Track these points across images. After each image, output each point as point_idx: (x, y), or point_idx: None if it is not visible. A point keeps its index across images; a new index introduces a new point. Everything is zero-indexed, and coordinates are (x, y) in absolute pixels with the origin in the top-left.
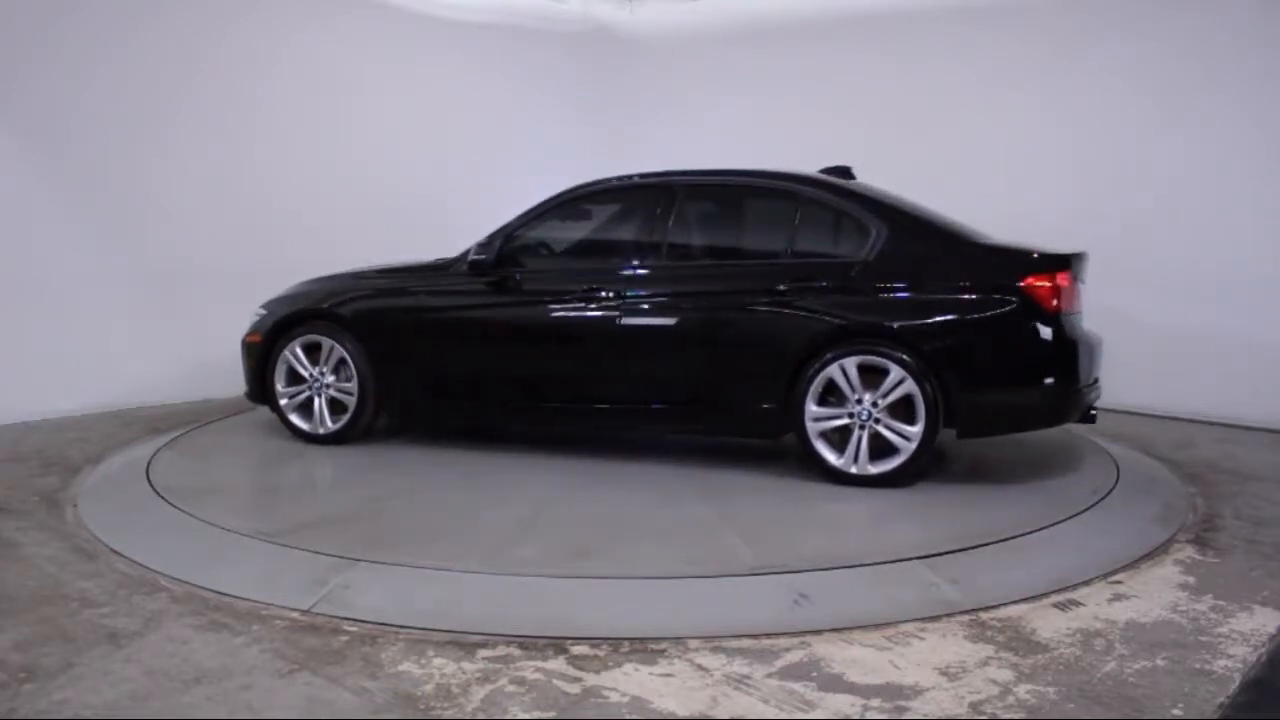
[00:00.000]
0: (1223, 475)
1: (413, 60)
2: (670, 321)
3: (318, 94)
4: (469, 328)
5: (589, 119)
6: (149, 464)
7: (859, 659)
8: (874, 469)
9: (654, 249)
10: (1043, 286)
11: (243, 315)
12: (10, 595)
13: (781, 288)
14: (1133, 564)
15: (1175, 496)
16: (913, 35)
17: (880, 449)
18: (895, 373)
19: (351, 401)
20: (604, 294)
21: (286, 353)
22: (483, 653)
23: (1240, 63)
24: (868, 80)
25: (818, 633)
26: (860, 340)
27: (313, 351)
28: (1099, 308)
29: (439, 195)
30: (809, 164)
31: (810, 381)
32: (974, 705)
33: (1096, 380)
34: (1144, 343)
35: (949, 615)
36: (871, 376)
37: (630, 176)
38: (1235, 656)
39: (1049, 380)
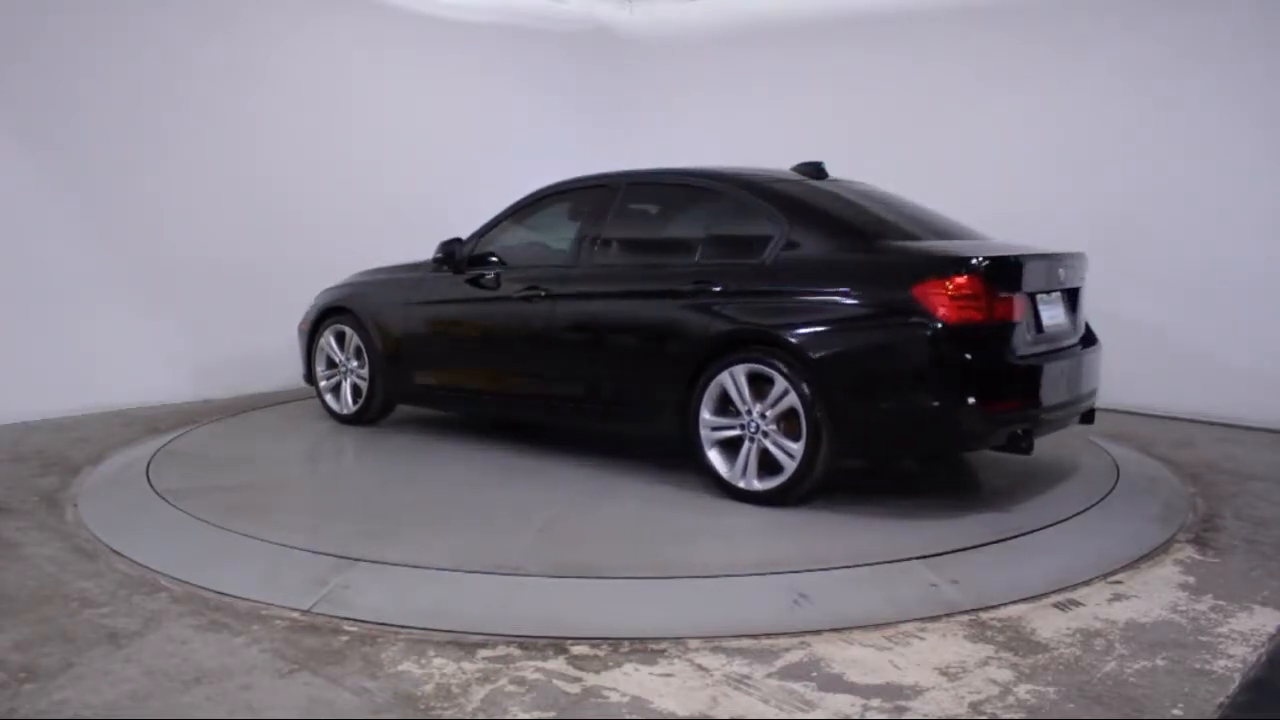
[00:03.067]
0: (1223, 475)
1: (413, 60)
2: (592, 321)
3: (318, 94)
4: (440, 323)
5: (589, 119)
6: (149, 464)
7: (859, 659)
8: (760, 485)
9: (588, 249)
10: (934, 294)
11: (242, 315)
12: (10, 595)
13: (686, 289)
14: (1133, 564)
15: (1175, 496)
16: (913, 35)
17: (771, 464)
18: (779, 383)
19: (365, 386)
20: (541, 293)
21: (322, 340)
22: (483, 653)
23: (1240, 63)
24: (868, 80)
25: (818, 633)
26: (751, 347)
27: (343, 340)
28: (1099, 308)
29: (439, 195)
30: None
31: (704, 388)
32: (974, 705)
33: (1066, 405)
34: (1144, 342)
35: (949, 615)
36: (767, 386)
37: (583, 178)
38: (1235, 656)
39: (935, 402)
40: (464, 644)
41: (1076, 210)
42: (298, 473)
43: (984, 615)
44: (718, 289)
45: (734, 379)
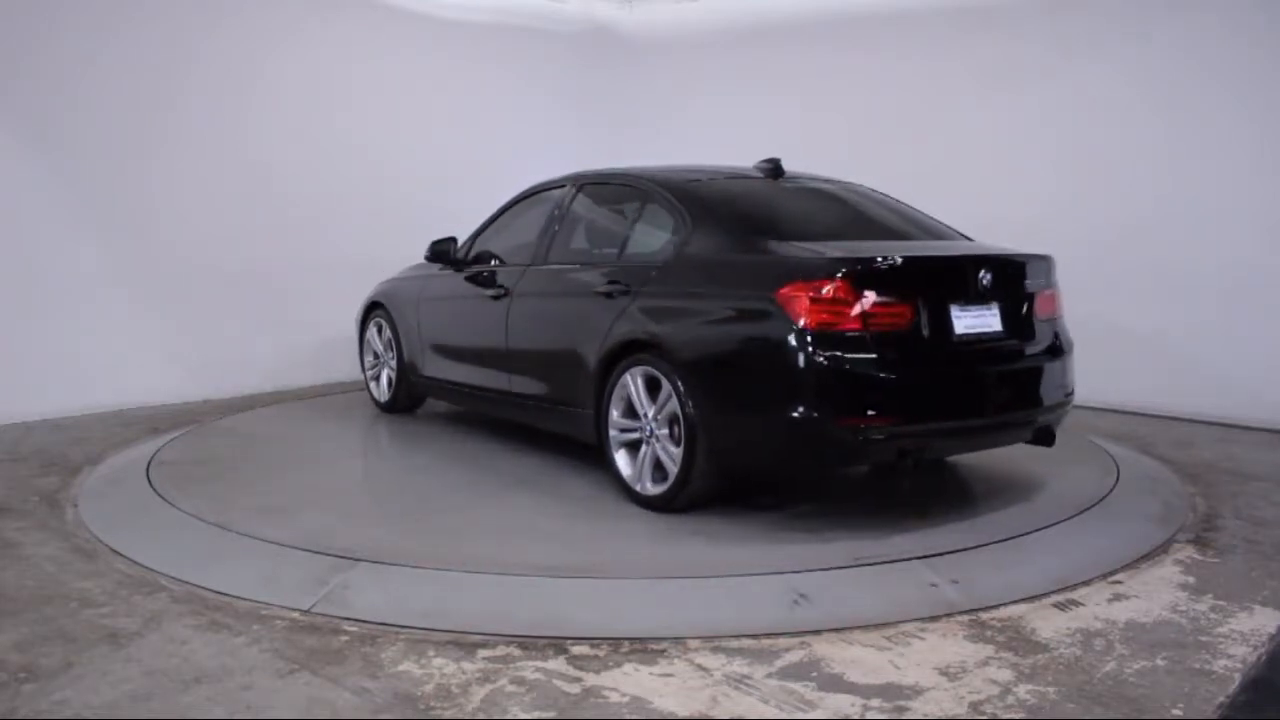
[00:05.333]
0: (1223, 475)
1: (413, 59)
2: (534, 320)
3: (318, 94)
4: (439, 319)
5: (588, 118)
6: (149, 464)
7: (859, 659)
8: (653, 489)
9: (542, 250)
10: (796, 298)
11: (242, 314)
12: (10, 595)
13: (602, 290)
14: (1133, 564)
15: (1175, 496)
16: (912, 35)
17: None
18: (665, 388)
19: (395, 377)
20: (503, 291)
21: (367, 333)
22: (483, 653)
23: (1241, 64)
24: (867, 79)
25: (817, 633)
26: (646, 350)
27: (381, 332)
28: (1099, 308)
29: (439, 194)
30: (805, 163)
31: (611, 390)
32: (974, 705)
33: (988, 423)
34: (1144, 342)
35: (949, 615)
36: (659, 390)
37: (551, 179)
38: (1235, 656)
39: (795, 413)
40: (464, 644)
41: (1076, 210)
42: (297, 472)
43: (984, 615)
44: (625, 290)
45: (633, 382)
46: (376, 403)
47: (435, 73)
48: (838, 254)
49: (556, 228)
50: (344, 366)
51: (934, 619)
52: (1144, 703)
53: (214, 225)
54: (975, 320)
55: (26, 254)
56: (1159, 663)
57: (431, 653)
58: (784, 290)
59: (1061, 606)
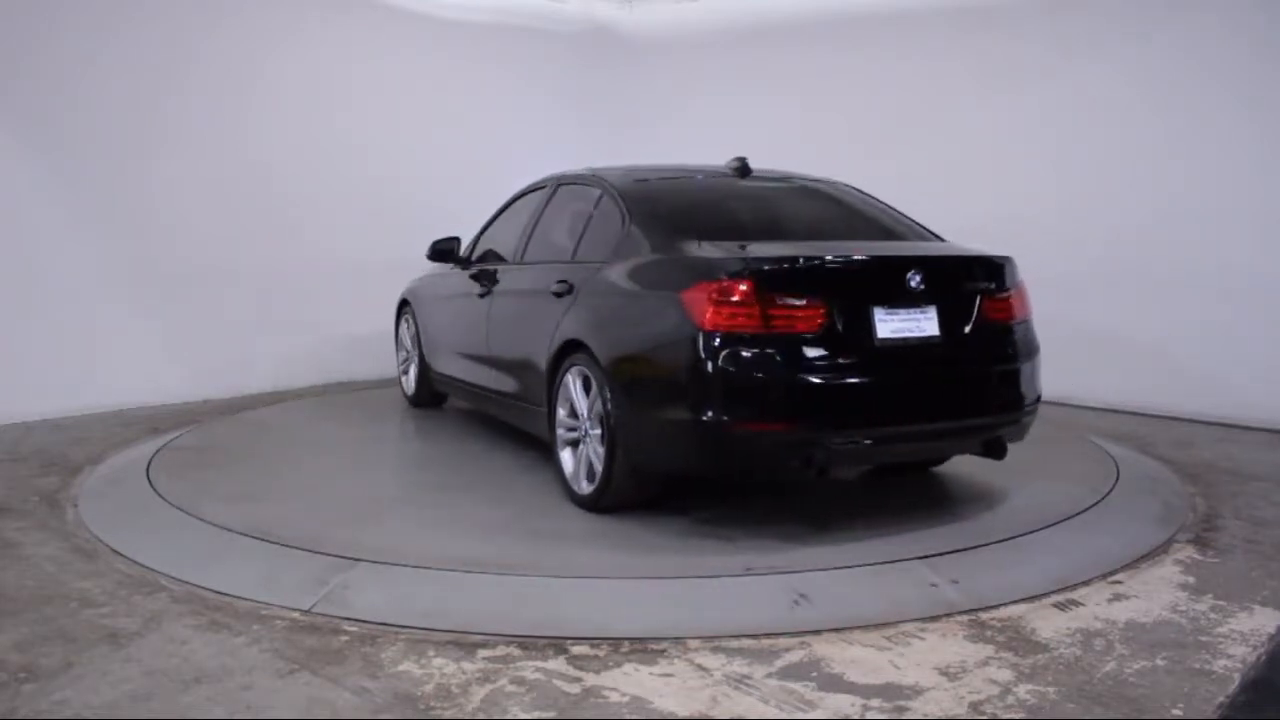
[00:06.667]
0: (1223, 475)
1: (412, 59)
2: (504, 318)
3: (318, 94)
4: (443, 317)
5: (588, 118)
6: (149, 464)
7: (859, 659)
8: (586, 489)
9: (520, 249)
10: (698, 300)
11: (242, 314)
12: (10, 595)
13: (553, 290)
14: (1133, 564)
15: (1175, 496)
16: (912, 35)
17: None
18: (594, 388)
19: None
20: (486, 290)
21: (401, 329)
22: (483, 653)
23: (1242, 65)
24: (867, 79)
25: (817, 633)
26: (581, 350)
27: (410, 328)
28: (1099, 307)
29: (439, 194)
30: (805, 163)
31: (557, 389)
32: (974, 705)
33: (914, 432)
34: (1143, 342)
35: (949, 615)
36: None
37: (538, 180)
38: (1235, 656)
39: (691, 416)
40: (464, 644)
41: (1076, 210)
42: (296, 472)
43: (984, 615)
44: (570, 290)
45: (573, 382)
46: (406, 397)
47: (435, 73)
48: (742, 254)
49: (533, 228)
50: (344, 366)
51: (934, 619)
52: (1144, 703)
53: (214, 225)
54: (904, 324)
55: (26, 254)
56: (1159, 663)
57: (431, 653)
58: (689, 291)
59: (1061, 606)
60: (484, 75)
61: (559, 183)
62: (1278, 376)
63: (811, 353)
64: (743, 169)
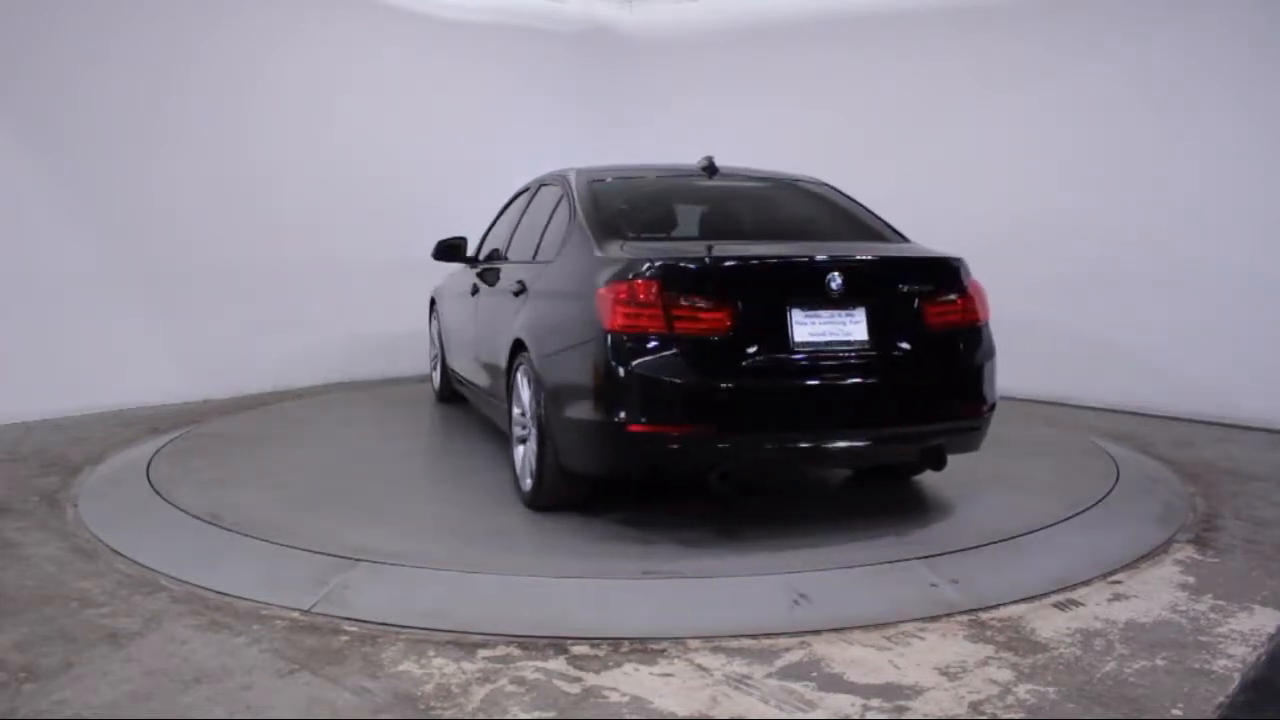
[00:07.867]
0: (1223, 475)
1: (412, 59)
2: (484, 317)
3: (317, 93)
4: (450, 316)
5: (588, 118)
6: (149, 464)
7: (859, 659)
8: (528, 486)
9: (505, 248)
10: (605, 300)
11: (242, 314)
12: (10, 595)
13: (512, 290)
14: (1133, 564)
15: (1175, 496)
16: (912, 35)
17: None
18: (532, 388)
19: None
20: (475, 289)
21: (431, 326)
22: (483, 653)
23: (1243, 66)
24: (867, 79)
25: (817, 633)
26: (525, 349)
27: (436, 326)
28: (1098, 307)
29: (439, 194)
30: (803, 163)
31: (510, 387)
32: (974, 705)
33: (832, 442)
34: (1142, 341)
35: (949, 615)
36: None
37: (530, 182)
38: (1235, 656)
39: (592, 417)
40: (464, 644)
41: (1075, 210)
42: (295, 472)
43: (984, 615)
44: (523, 289)
45: (521, 380)
46: (434, 392)
47: (435, 73)
48: (646, 255)
49: (515, 228)
50: (344, 366)
51: (934, 619)
52: (1144, 703)
53: (214, 225)
54: (826, 326)
55: (26, 254)
56: (1159, 662)
57: (431, 653)
58: (600, 291)
59: (1061, 606)
60: (484, 75)
61: (541, 183)
62: (1277, 377)
63: (716, 355)
64: (709, 168)
